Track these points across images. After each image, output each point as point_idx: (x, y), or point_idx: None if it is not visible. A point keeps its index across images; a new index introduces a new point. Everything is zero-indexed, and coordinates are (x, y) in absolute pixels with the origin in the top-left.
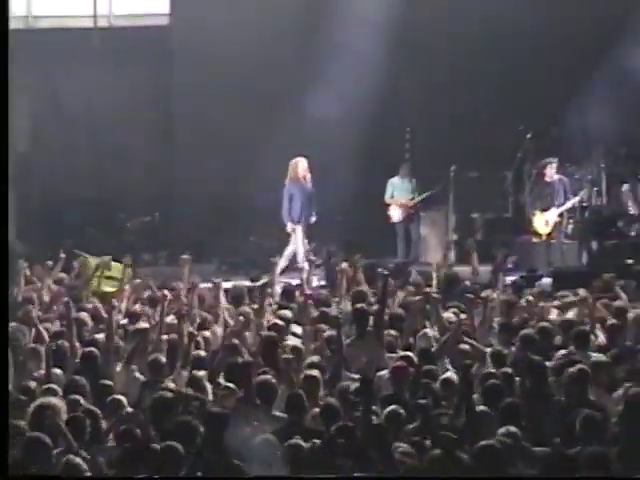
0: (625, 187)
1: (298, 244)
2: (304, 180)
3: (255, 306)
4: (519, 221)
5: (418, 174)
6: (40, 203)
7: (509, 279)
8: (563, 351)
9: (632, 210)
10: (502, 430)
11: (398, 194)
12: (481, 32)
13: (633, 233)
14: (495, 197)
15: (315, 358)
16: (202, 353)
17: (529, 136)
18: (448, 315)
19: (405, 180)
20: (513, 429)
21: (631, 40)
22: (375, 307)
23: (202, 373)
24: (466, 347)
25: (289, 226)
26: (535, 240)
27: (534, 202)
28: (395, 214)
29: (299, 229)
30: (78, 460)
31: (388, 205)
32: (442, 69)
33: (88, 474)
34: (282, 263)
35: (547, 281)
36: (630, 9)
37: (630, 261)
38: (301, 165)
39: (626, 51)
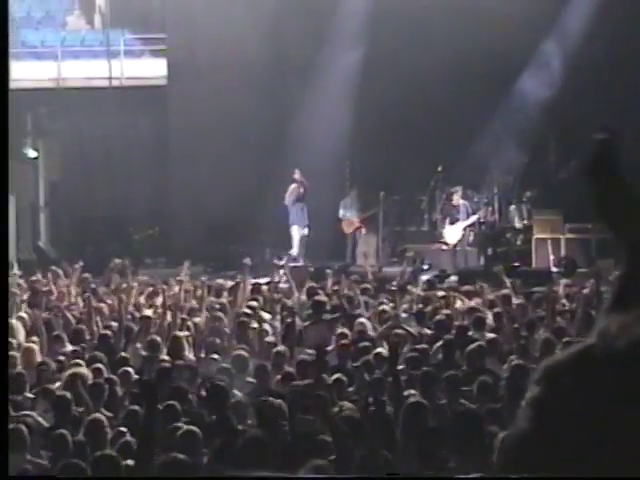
0: (512, 207)
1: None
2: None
3: (231, 298)
4: (432, 234)
5: (361, 197)
6: (68, 220)
7: (425, 277)
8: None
9: (517, 225)
10: (420, 391)
11: (349, 213)
12: (407, 82)
13: (518, 242)
14: (414, 215)
15: (279, 337)
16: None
17: (440, 169)
18: (381, 305)
19: (354, 201)
20: (428, 391)
21: (523, 78)
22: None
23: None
24: (399, 331)
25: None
26: (445, 248)
27: (444, 219)
28: (346, 228)
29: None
30: (99, 416)
31: (341, 221)
32: (371, 113)
33: (108, 430)
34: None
35: (454, 279)
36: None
37: (516, 264)
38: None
39: (518, 90)
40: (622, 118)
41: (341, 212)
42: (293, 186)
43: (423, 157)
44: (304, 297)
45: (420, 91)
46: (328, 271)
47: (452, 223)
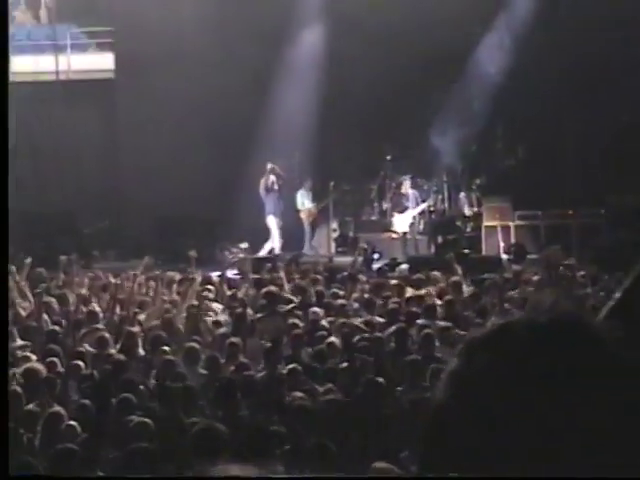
0: (462, 195)
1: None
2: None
3: (182, 289)
4: (383, 223)
5: (315, 188)
6: (17, 215)
7: (376, 266)
8: (419, 321)
9: (467, 212)
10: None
11: (307, 202)
12: (356, 73)
13: (468, 230)
14: (364, 205)
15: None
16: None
17: (389, 158)
18: (334, 292)
19: (310, 192)
20: (381, 379)
21: (470, 66)
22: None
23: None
24: (351, 321)
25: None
26: (395, 237)
27: (393, 208)
28: (305, 218)
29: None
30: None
31: (299, 211)
32: (320, 104)
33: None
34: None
35: (405, 267)
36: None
37: (466, 250)
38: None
39: (466, 78)
40: (569, 103)
41: (299, 202)
42: (265, 177)
43: (372, 146)
44: (254, 289)
45: (368, 82)
46: (280, 264)
47: (401, 212)
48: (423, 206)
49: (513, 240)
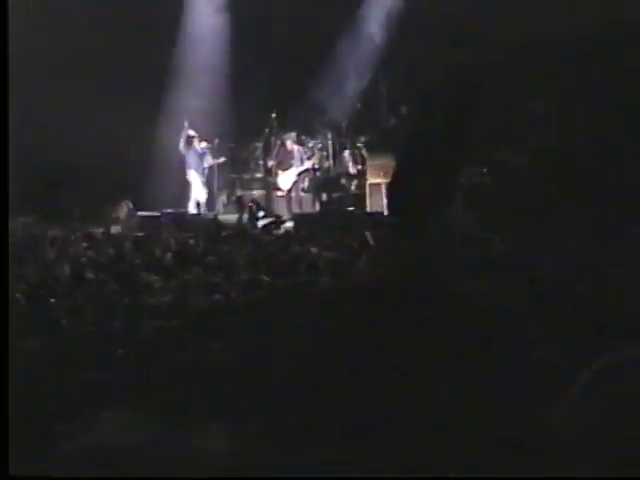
0: (346, 153)
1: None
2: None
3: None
4: (267, 180)
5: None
6: None
7: (261, 223)
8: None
9: (352, 170)
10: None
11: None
12: (242, 28)
13: (353, 187)
14: (249, 162)
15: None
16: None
17: (274, 115)
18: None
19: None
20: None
21: (356, 23)
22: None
23: None
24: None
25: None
26: (279, 194)
27: (278, 166)
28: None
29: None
30: None
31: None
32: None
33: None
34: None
35: (290, 225)
36: None
37: (351, 208)
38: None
39: (351, 34)
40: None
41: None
42: (183, 133)
43: (257, 103)
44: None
45: (253, 36)
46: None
47: (286, 169)
48: (308, 164)
49: None
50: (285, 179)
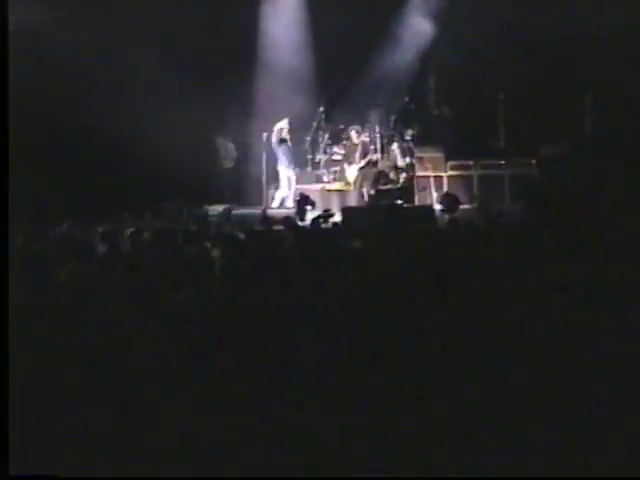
0: (394, 146)
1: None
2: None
3: None
4: (315, 175)
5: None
6: None
7: (310, 217)
8: None
9: (400, 163)
10: None
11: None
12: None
13: (401, 180)
14: (299, 156)
15: None
16: None
17: (321, 109)
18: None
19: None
20: None
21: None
22: None
23: None
24: None
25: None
26: (344, 188)
27: (344, 158)
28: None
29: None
30: None
31: None
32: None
33: None
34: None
35: (338, 218)
36: None
37: (399, 201)
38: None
39: (396, 29)
40: (501, 54)
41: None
42: (276, 128)
43: (305, 98)
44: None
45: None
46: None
47: (351, 163)
48: (369, 158)
49: (445, 190)
50: (351, 172)
